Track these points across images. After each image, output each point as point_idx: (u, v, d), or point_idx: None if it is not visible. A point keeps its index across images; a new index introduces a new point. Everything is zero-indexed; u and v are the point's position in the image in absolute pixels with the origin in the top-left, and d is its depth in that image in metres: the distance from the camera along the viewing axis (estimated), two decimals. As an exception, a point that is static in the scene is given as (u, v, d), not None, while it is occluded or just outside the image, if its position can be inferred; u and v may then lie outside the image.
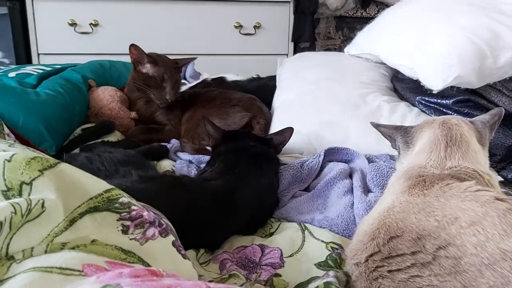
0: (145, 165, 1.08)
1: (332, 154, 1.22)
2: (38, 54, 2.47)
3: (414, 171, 0.82)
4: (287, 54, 2.80)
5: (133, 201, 0.64)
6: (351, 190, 1.06)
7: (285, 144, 1.22)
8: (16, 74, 1.52)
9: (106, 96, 1.49)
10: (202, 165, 1.28)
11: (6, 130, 1.11)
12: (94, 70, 1.65)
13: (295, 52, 2.83)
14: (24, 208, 0.52)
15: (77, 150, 1.23)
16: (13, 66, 1.74)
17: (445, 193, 0.70)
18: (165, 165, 1.27)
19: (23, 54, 2.43)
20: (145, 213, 0.63)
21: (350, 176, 1.13)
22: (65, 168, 0.62)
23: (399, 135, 0.93)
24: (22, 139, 1.14)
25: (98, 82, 1.60)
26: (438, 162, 0.82)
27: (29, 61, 2.45)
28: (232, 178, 0.98)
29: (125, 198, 0.63)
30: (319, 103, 1.41)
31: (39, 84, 1.42)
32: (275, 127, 1.41)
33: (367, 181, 1.09)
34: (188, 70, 2.15)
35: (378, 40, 1.58)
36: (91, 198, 0.59)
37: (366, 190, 1.06)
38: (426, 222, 0.66)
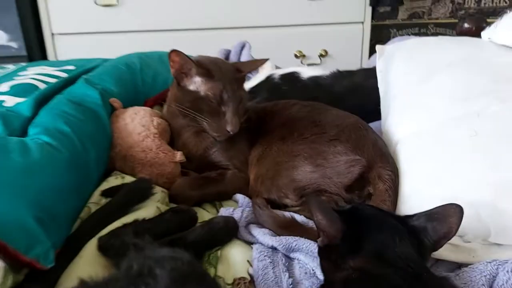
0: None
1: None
2: (52, 35, 1.96)
3: None
4: (363, 22, 2.20)
5: None
6: None
7: (449, 240, 0.68)
8: (10, 88, 1.04)
9: (137, 127, 0.97)
10: (293, 256, 0.79)
11: (-33, 232, 0.63)
12: (119, 77, 1.13)
13: (372, 18, 2.23)
14: None
15: (94, 242, 0.74)
16: (9, 68, 1.25)
17: None
18: (236, 263, 0.77)
19: (33, 36, 1.93)
20: None
21: None
22: None
23: None
24: (-3, 243, 0.65)
25: (125, 96, 1.09)
26: None
27: (41, 44, 1.95)
28: None
29: None
30: (486, 146, 0.83)
31: (36, 114, 0.92)
32: (405, 187, 0.87)
33: None
34: (243, 58, 1.59)
35: None
36: None
37: None
38: None
